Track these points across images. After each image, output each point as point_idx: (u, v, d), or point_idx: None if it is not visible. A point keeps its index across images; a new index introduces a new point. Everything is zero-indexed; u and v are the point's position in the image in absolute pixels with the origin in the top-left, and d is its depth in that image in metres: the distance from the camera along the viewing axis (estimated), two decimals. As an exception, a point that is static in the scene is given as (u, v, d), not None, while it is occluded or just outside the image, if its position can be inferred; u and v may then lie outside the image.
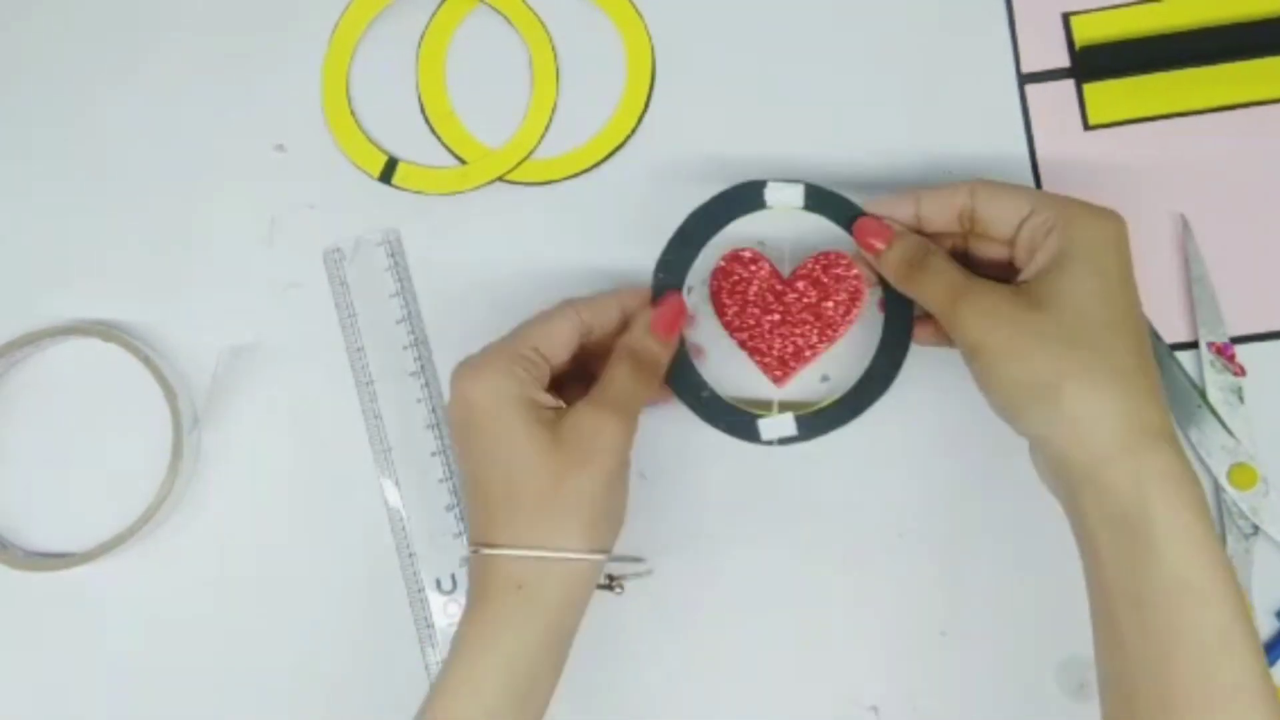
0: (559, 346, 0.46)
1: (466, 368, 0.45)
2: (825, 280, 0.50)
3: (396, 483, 0.54)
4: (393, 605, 0.53)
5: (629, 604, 0.52)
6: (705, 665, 0.52)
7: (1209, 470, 0.51)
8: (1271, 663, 0.50)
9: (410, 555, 0.53)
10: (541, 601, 0.42)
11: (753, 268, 0.50)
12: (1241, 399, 0.51)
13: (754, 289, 0.50)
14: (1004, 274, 0.47)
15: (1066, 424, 0.41)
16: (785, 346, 0.50)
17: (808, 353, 0.50)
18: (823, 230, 0.50)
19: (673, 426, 0.51)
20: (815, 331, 0.50)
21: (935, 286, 0.46)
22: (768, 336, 0.50)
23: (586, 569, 0.43)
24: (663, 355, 0.48)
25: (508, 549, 0.43)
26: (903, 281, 0.47)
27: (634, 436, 0.45)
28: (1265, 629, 0.50)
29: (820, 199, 0.50)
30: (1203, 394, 0.51)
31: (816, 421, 0.50)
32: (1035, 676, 0.51)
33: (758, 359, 0.50)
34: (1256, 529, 0.50)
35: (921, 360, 0.50)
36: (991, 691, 0.51)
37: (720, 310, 0.50)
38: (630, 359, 0.47)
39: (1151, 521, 0.40)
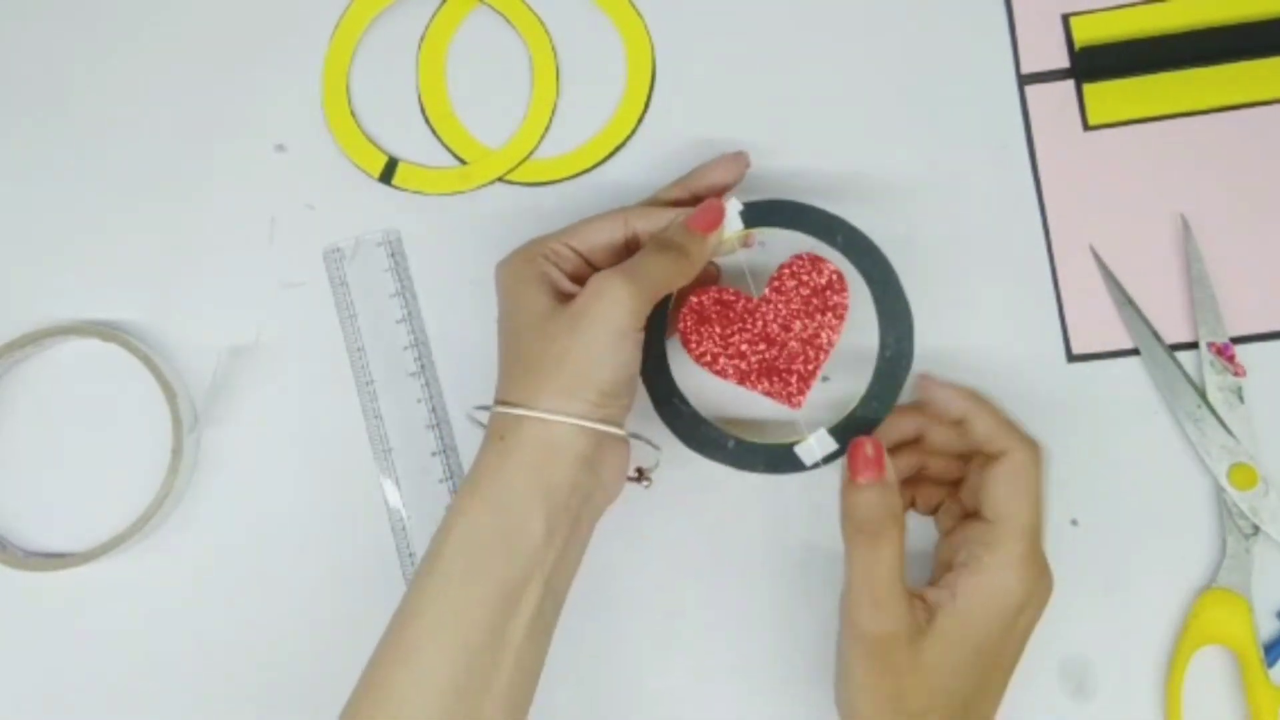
0: (596, 245, 0.48)
1: (502, 259, 0.48)
2: (805, 292, 0.48)
3: (396, 483, 0.54)
4: (393, 605, 0.53)
5: (637, 608, 0.52)
6: (706, 667, 0.52)
7: (1209, 470, 0.51)
8: (1271, 663, 0.50)
9: (410, 555, 0.53)
10: (518, 454, 0.44)
11: (727, 309, 0.49)
12: (1241, 399, 0.51)
13: (735, 331, 0.48)
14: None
15: None
16: (788, 376, 0.49)
17: (812, 371, 0.48)
18: (776, 236, 0.50)
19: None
20: (812, 350, 0.48)
21: (864, 570, 0.44)
22: (769, 372, 0.48)
23: (562, 430, 0.44)
24: (690, 244, 0.47)
25: (494, 406, 0.45)
26: (851, 534, 0.45)
27: (642, 309, 0.44)
28: (1265, 629, 0.50)
29: (760, 211, 0.49)
30: (1203, 394, 0.51)
31: (851, 427, 0.48)
32: (1035, 676, 0.51)
33: (765, 393, 0.49)
34: (1256, 529, 0.50)
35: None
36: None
37: (710, 366, 0.48)
38: (658, 242, 0.47)
39: None
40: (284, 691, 0.53)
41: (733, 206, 0.48)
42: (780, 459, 0.48)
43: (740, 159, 0.51)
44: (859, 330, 0.49)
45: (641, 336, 0.45)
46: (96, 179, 0.56)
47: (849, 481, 0.45)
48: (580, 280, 0.47)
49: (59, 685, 0.53)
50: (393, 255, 0.55)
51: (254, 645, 0.53)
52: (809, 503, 0.52)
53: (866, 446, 0.45)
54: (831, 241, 0.49)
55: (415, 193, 0.56)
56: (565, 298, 0.46)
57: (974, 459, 0.48)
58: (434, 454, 0.54)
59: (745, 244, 0.50)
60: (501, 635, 0.43)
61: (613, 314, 0.44)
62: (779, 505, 0.52)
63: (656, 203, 0.50)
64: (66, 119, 0.57)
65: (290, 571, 0.53)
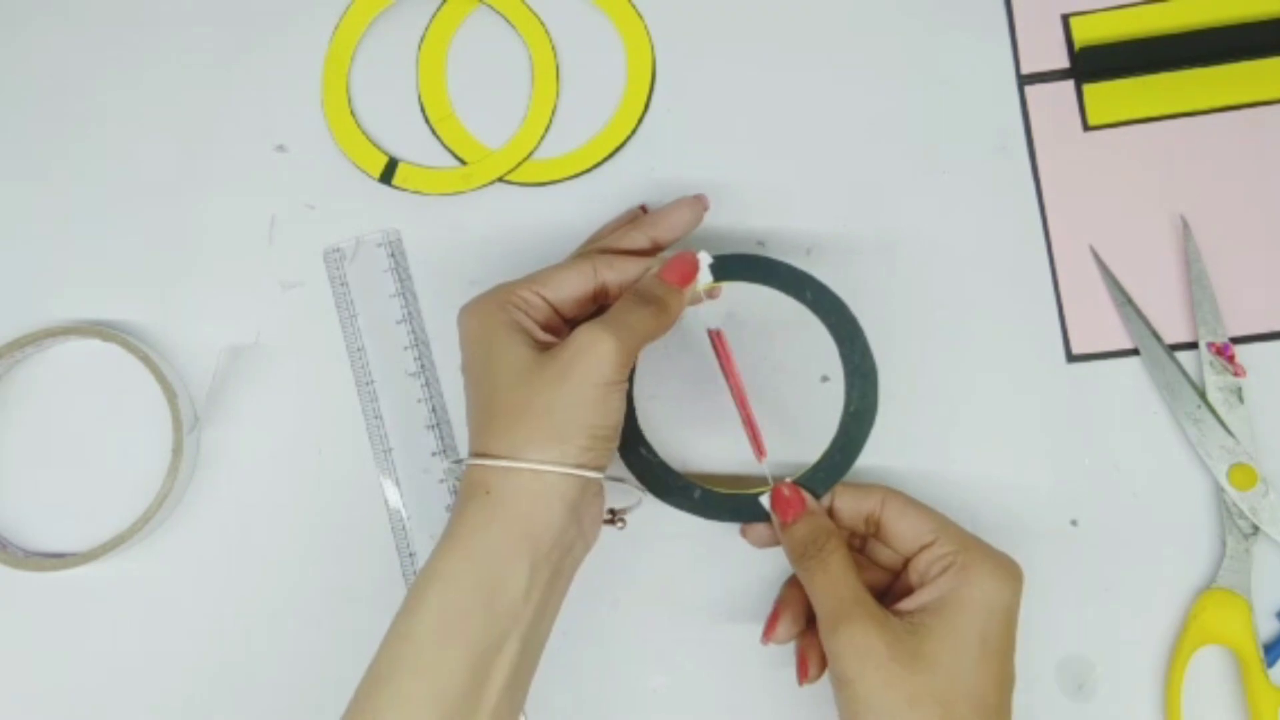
0: (565, 295, 0.47)
1: (466, 303, 0.47)
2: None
3: (396, 483, 0.54)
4: (393, 606, 0.52)
5: (637, 608, 0.52)
6: (704, 672, 0.52)
7: (1209, 470, 0.51)
8: (1271, 663, 0.50)
9: (410, 555, 0.53)
10: (506, 505, 0.43)
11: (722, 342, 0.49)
12: (1241, 399, 0.51)
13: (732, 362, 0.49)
14: (891, 580, 0.48)
15: None
16: (753, 425, 0.49)
17: (757, 430, 0.49)
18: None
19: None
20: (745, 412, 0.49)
21: (823, 589, 0.45)
22: (748, 414, 0.49)
23: (552, 479, 0.43)
24: (668, 297, 0.47)
25: (476, 459, 0.44)
26: (796, 562, 0.47)
27: (626, 362, 0.44)
28: (1265, 629, 0.50)
29: (728, 265, 0.48)
30: (1203, 394, 0.51)
31: (817, 477, 0.49)
32: (1035, 676, 0.51)
33: (752, 427, 0.49)
34: (1256, 529, 0.50)
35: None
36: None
37: (731, 375, 0.49)
38: (637, 295, 0.46)
39: None
40: (284, 691, 0.53)
41: (703, 259, 0.48)
42: (745, 509, 0.49)
43: (699, 202, 0.50)
44: (833, 384, 0.49)
45: (626, 386, 0.45)
46: (97, 179, 0.56)
47: (781, 527, 0.47)
48: (550, 329, 0.46)
49: (59, 685, 0.53)
50: (393, 255, 0.55)
51: (254, 645, 0.53)
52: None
53: (782, 489, 0.48)
54: (800, 297, 0.49)
55: (415, 193, 0.56)
56: (541, 347, 0.45)
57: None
58: (434, 454, 0.54)
59: (711, 296, 0.50)
60: (477, 698, 0.41)
61: (600, 368, 0.43)
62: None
63: (613, 246, 0.49)
64: (66, 119, 0.57)
65: (290, 571, 0.53)
